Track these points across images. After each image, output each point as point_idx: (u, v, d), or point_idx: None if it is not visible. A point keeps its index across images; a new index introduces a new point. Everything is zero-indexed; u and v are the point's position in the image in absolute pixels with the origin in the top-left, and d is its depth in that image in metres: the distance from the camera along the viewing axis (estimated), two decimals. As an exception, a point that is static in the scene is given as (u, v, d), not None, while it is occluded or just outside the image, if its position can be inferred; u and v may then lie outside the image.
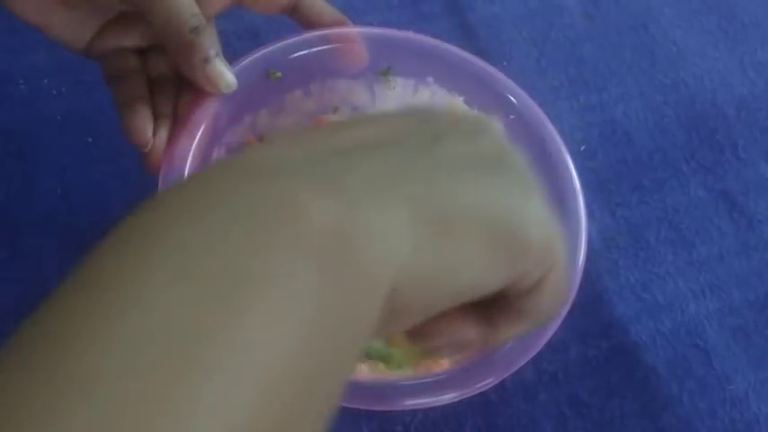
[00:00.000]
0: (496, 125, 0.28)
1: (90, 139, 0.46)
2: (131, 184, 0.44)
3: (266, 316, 0.18)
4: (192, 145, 0.37)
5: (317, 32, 0.42)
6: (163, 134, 0.37)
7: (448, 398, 0.34)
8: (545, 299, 0.26)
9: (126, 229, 0.20)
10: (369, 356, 0.38)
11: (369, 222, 0.21)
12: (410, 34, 0.44)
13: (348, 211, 0.20)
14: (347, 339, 0.21)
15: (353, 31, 0.43)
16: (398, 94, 0.45)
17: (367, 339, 0.22)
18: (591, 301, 0.44)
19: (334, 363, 0.21)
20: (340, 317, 0.20)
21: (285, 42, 0.42)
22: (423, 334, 0.27)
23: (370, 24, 0.46)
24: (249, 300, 0.18)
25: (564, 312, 0.36)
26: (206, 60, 0.35)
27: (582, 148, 0.50)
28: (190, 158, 0.37)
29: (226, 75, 0.36)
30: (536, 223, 0.24)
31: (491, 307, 0.26)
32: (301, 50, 0.42)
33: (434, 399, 0.34)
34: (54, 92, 0.48)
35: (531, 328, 0.29)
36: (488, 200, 0.24)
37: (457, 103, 0.44)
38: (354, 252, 0.20)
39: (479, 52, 0.45)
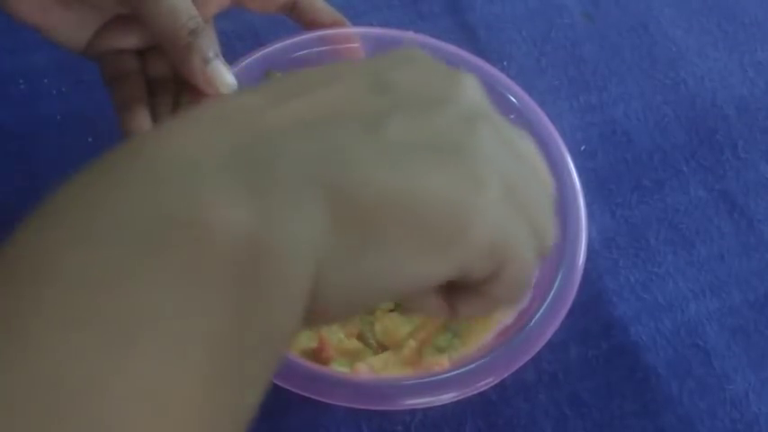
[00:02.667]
0: (471, 88, 0.25)
1: (90, 139, 0.46)
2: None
3: (165, 358, 0.17)
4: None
5: (315, 33, 0.42)
6: None
7: (448, 398, 0.34)
8: (502, 288, 0.25)
9: (13, 258, 0.18)
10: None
11: (284, 231, 0.19)
12: (409, 34, 0.44)
13: (261, 222, 0.19)
14: (264, 354, 0.20)
15: (351, 31, 0.43)
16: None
17: (285, 348, 0.21)
18: (591, 301, 0.44)
19: (250, 378, 0.20)
20: (254, 337, 0.19)
21: (284, 43, 0.42)
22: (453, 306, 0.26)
23: (370, 24, 0.46)
24: (146, 344, 0.17)
25: (563, 312, 0.36)
26: (205, 62, 0.35)
27: (582, 148, 0.50)
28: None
29: (225, 76, 0.36)
30: (482, 222, 0.22)
31: (451, 285, 0.25)
32: (300, 51, 0.42)
33: (434, 399, 0.34)
34: (54, 92, 0.48)
35: (492, 310, 0.27)
36: (428, 194, 0.21)
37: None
38: (267, 267, 0.19)
39: (479, 52, 0.45)
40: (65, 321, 0.17)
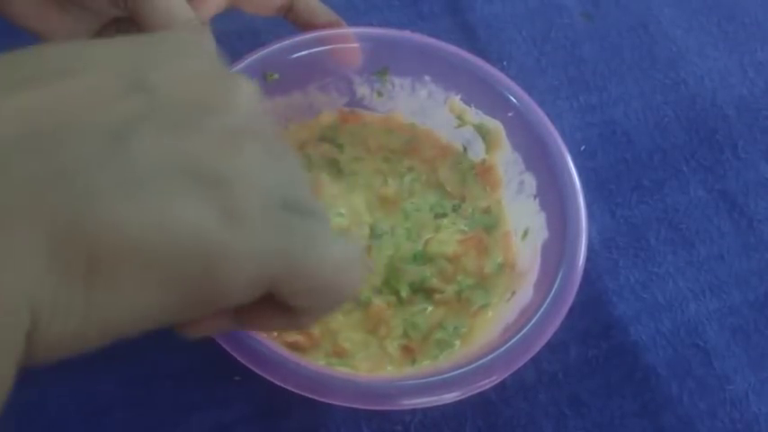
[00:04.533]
0: (245, 95, 0.22)
1: (90, 140, 0.46)
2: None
3: None
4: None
5: (313, 34, 0.42)
6: None
7: (448, 397, 0.34)
8: (315, 302, 0.23)
9: None
10: None
11: None
12: (407, 34, 0.44)
13: None
14: None
15: (349, 31, 0.43)
16: (396, 93, 0.45)
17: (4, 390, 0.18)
18: (591, 301, 0.44)
19: None
20: None
21: (282, 44, 0.42)
22: (242, 323, 0.24)
23: (370, 24, 0.46)
24: None
25: (563, 312, 0.36)
26: None
27: (582, 148, 0.50)
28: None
29: None
30: (232, 257, 0.19)
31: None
32: (298, 52, 0.42)
33: (434, 398, 0.34)
34: (54, 92, 0.48)
35: (329, 311, 0.25)
36: (173, 232, 0.18)
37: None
38: None
39: (479, 52, 0.45)
40: None
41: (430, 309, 0.40)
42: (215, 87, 0.22)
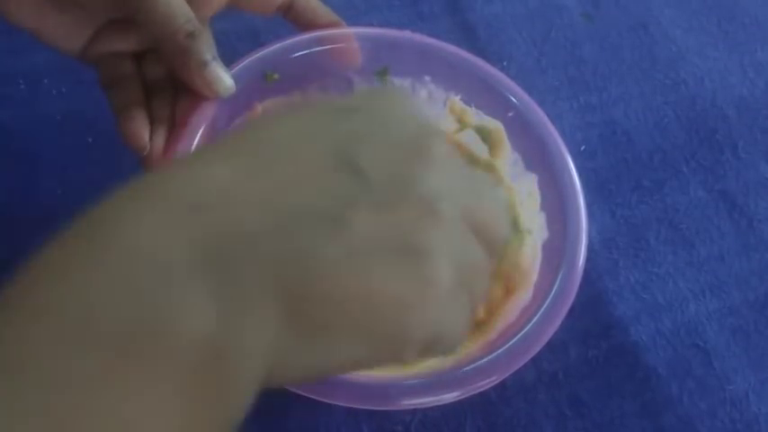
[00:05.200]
0: (439, 152, 0.25)
1: (90, 139, 0.46)
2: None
3: None
4: (191, 148, 0.37)
5: (313, 34, 0.42)
6: (160, 138, 0.37)
7: (448, 397, 0.34)
8: (431, 354, 0.26)
9: None
10: None
11: (240, 336, 0.20)
12: (407, 34, 0.44)
13: (220, 329, 0.20)
14: None
15: (349, 31, 0.43)
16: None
17: (239, 421, 0.22)
18: (591, 301, 0.44)
19: None
20: (211, 428, 0.21)
21: (282, 44, 0.42)
22: None
23: (370, 24, 0.46)
24: None
25: (563, 312, 0.36)
26: (203, 65, 0.35)
27: (582, 148, 0.50)
28: (189, 159, 0.37)
29: (223, 78, 0.36)
30: (420, 322, 0.23)
31: None
32: (298, 52, 0.42)
33: (434, 398, 0.34)
34: (54, 92, 0.48)
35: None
36: (379, 296, 0.22)
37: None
38: (223, 369, 0.20)
39: (479, 52, 0.45)
40: (42, 426, 0.18)
41: None
42: (414, 155, 0.24)
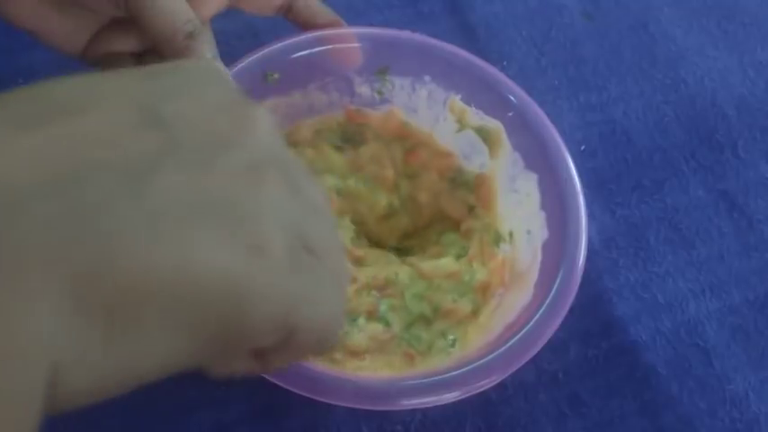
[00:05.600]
0: (263, 128, 0.21)
1: (90, 139, 0.46)
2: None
3: None
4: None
5: (313, 34, 0.42)
6: None
7: (448, 398, 0.34)
8: (303, 344, 0.22)
9: None
10: None
11: (8, 330, 0.16)
12: (407, 34, 0.44)
13: None
14: None
15: (349, 31, 0.43)
16: (396, 93, 0.45)
17: None
18: (591, 301, 0.44)
19: None
20: None
21: (282, 44, 0.42)
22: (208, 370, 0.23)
23: (370, 24, 0.46)
24: None
25: (563, 314, 0.36)
26: None
27: (582, 148, 0.50)
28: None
29: None
30: (261, 299, 0.19)
31: None
32: (298, 52, 0.42)
33: (434, 398, 0.34)
34: (54, 92, 0.48)
35: (306, 355, 0.25)
36: (197, 270, 0.18)
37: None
38: None
39: (479, 52, 0.45)
40: None
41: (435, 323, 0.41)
42: (233, 120, 0.21)
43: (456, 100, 0.44)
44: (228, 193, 0.19)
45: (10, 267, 0.16)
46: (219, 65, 0.25)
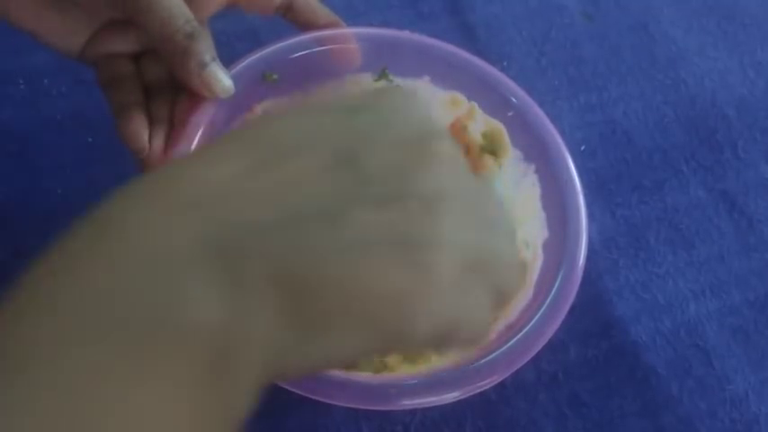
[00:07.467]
0: (442, 156, 0.25)
1: (90, 139, 0.46)
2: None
3: None
4: (190, 148, 0.37)
5: (312, 34, 0.42)
6: (159, 138, 0.37)
7: (448, 398, 0.34)
8: (452, 347, 0.26)
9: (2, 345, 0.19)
10: None
11: (248, 328, 0.21)
12: (406, 34, 0.44)
13: (229, 320, 0.20)
14: (226, 428, 0.22)
15: (349, 31, 0.43)
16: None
17: (244, 415, 0.22)
18: (591, 301, 0.44)
19: None
20: (218, 417, 0.21)
21: (281, 44, 0.42)
22: None
23: (370, 24, 0.46)
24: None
25: (563, 312, 0.36)
26: (202, 66, 0.35)
27: (582, 148, 0.50)
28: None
29: (222, 80, 0.36)
30: (425, 314, 0.23)
31: None
32: (298, 52, 0.42)
33: (434, 398, 0.34)
34: (54, 92, 0.48)
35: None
36: (376, 289, 0.22)
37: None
38: (233, 360, 0.21)
39: (479, 52, 0.45)
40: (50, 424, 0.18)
41: None
42: (418, 153, 0.25)
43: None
44: (408, 222, 0.23)
45: (248, 283, 0.21)
46: (411, 94, 0.27)
